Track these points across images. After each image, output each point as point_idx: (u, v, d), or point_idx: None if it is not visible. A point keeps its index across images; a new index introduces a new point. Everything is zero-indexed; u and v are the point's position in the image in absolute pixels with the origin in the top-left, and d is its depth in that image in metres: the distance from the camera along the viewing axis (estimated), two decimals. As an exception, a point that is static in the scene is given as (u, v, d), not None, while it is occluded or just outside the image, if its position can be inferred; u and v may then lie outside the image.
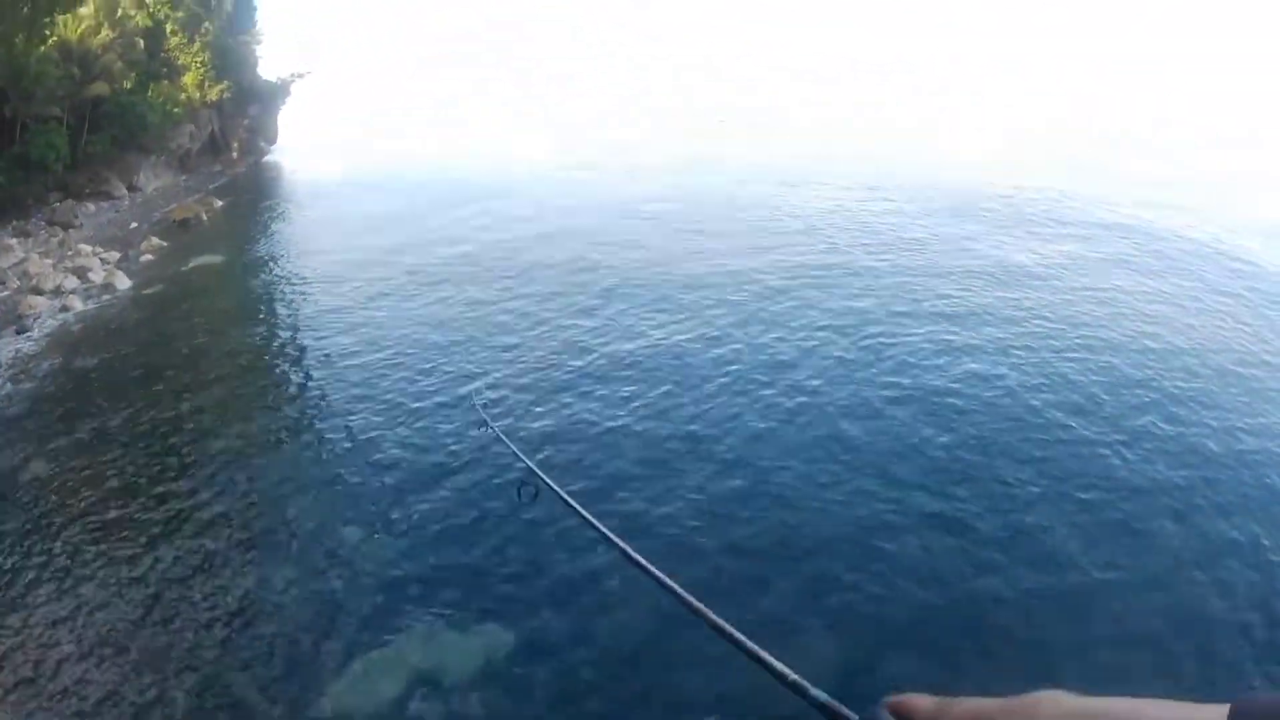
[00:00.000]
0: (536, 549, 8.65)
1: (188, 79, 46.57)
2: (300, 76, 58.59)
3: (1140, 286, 18.32)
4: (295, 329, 18.16)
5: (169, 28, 45.42)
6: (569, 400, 12.46)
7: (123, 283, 22.37)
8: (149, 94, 39.91)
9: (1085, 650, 7.05)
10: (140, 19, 42.22)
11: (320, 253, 25.86)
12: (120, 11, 39.76)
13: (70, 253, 25.22)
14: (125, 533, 9.54)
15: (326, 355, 15.41)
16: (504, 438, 5.28)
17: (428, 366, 14.19)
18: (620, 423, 11.59)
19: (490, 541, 8.88)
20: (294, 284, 22.10)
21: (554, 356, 14.34)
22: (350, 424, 12.19)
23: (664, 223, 27.14)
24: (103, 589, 8.51)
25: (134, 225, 31.78)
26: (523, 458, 4.00)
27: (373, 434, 11.75)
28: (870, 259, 20.78)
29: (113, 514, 9.98)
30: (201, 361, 15.98)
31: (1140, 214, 27.12)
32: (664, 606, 6.48)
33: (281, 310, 20.23)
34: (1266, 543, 8.63)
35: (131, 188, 37.41)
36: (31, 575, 8.78)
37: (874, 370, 13.21)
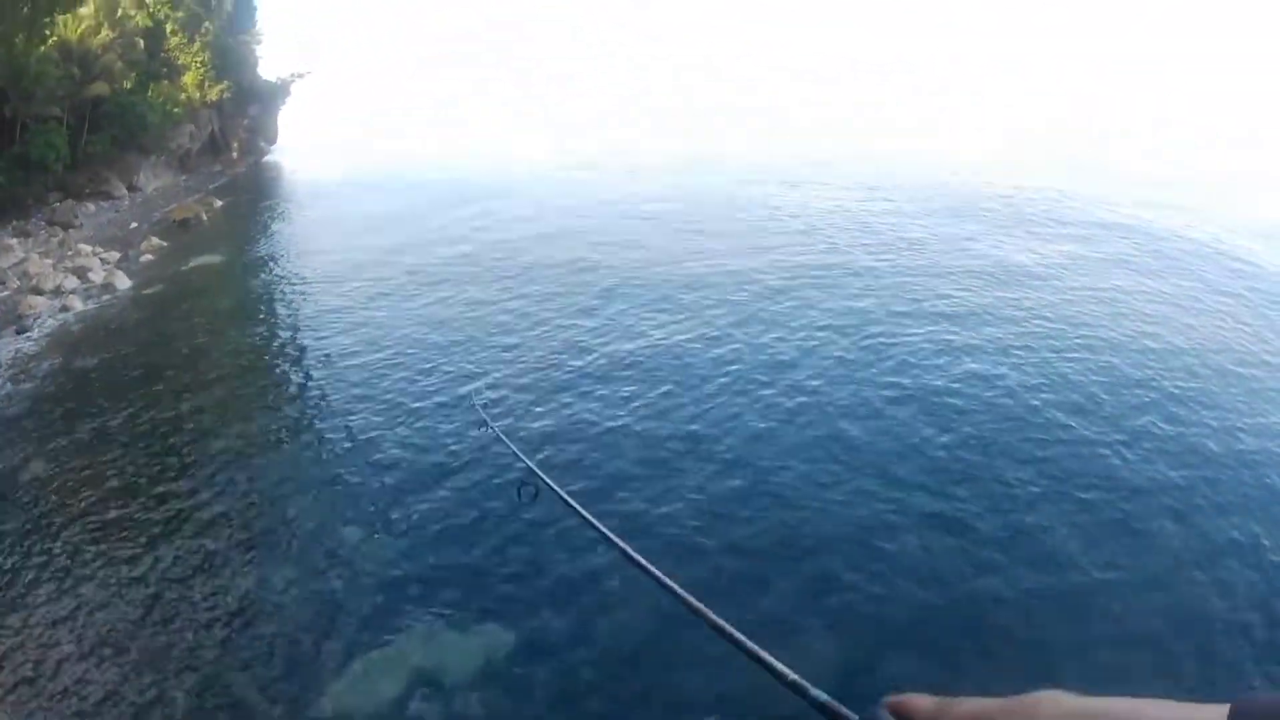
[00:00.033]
0: (537, 548, 8.65)
1: (188, 79, 46.59)
2: (300, 76, 58.70)
3: (1140, 286, 18.32)
4: (295, 329, 18.17)
5: (169, 28, 45.45)
6: (569, 400, 12.46)
7: (123, 283, 22.38)
8: (149, 94, 39.93)
9: (1086, 650, 7.05)
10: (140, 19, 42.24)
11: (320, 253, 25.88)
12: (120, 11, 39.77)
13: (70, 253, 25.24)
14: (125, 533, 9.54)
15: (326, 355, 15.42)
16: (504, 437, 5.28)
17: (428, 366, 14.19)
18: (620, 422, 11.59)
19: (490, 541, 8.88)
20: (294, 284, 22.12)
21: (554, 356, 14.34)
22: (350, 424, 12.19)
23: (664, 222, 27.17)
24: (102, 589, 8.51)
25: (134, 225, 31.80)
26: (522, 457, 4.00)
27: (373, 434, 11.75)
28: (870, 259, 20.79)
29: (112, 514, 9.98)
30: (201, 361, 15.99)
31: (1140, 214, 27.13)
32: (664, 606, 6.48)
33: (281, 310, 20.24)
34: (1267, 543, 8.63)
35: (131, 188, 37.43)
36: (31, 575, 8.78)
37: (874, 370, 13.21)
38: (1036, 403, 11.88)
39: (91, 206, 33.08)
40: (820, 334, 14.88)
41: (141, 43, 40.72)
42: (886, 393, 12.31)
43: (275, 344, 17.35)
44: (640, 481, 9.98)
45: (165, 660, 7.42)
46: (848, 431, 11.08)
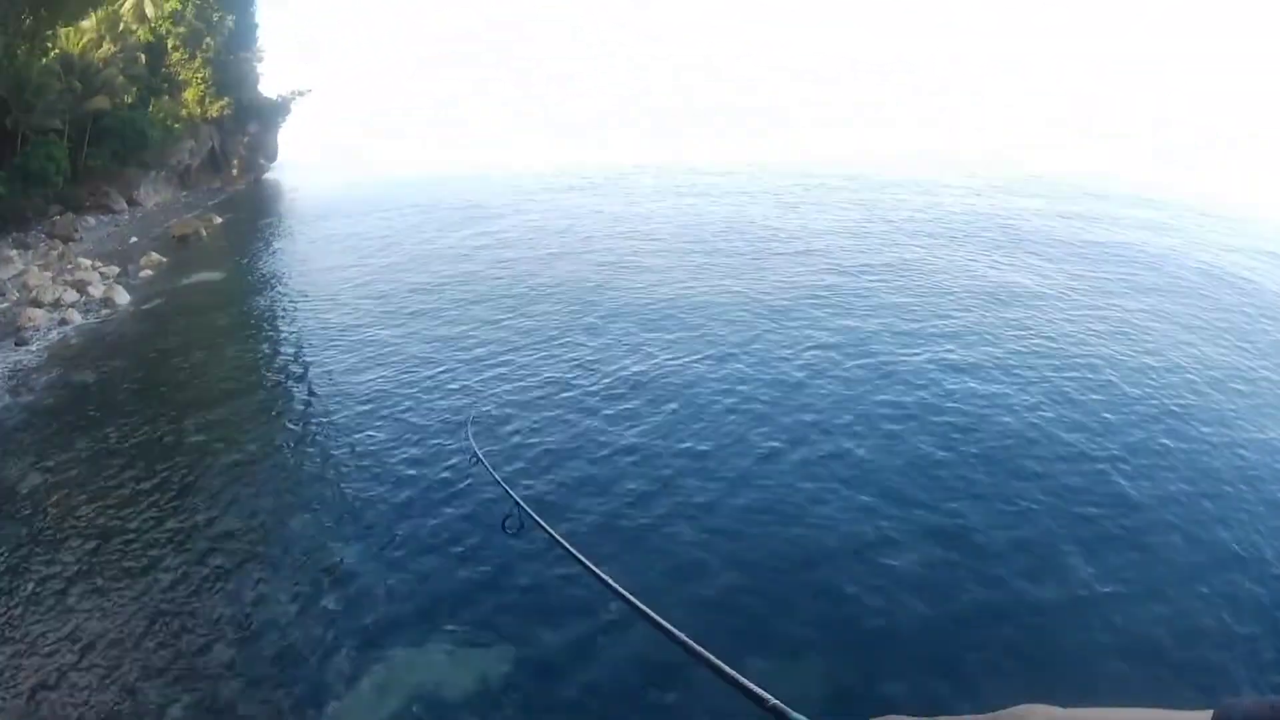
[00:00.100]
0: (535, 574, 8.58)
1: (188, 95, 46.84)
2: (301, 94, 58.94)
3: (1140, 304, 18.40)
4: (294, 346, 18.16)
5: (170, 43, 45.72)
6: (572, 417, 12.46)
7: (122, 297, 22.39)
8: (150, 109, 40.15)
9: (1087, 663, 7.02)
10: (142, 34, 42.49)
11: (319, 271, 25.96)
12: (122, 26, 40.01)
13: (70, 266, 25.27)
14: (122, 548, 9.48)
15: (326, 373, 15.41)
16: (491, 470, 5.08)
17: (429, 385, 14.18)
18: (624, 441, 11.57)
19: (490, 563, 8.81)
20: (293, 301, 22.15)
21: (556, 375, 14.36)
22: (350, 441, 12.16)
23: (665, 243, 27.28)
24: (99, 604, 8.45)
25: (133, 240, 31.86)
26: (509, 491, 3.96)
27: (372, 451, 11.72)
28: (871, 279, 20.88)
29: (109, 529, 9.91)
30: (200, 378, 15.97)
31: (1139, 233, 27.30)
32: (653, 634, 6.39)
33: (281, 327, 20.23)
34: (1269, 555, 8.61)
35: (131, 202, 37.56)
36: (30, 588, 8.72)
37: (875, 388, 13.24)
38: (1037, 420, 11.88)
39: (91, 220, 33.18)
40: (821, 353, 14.92)
41: (143, 58, 40.95)
42: (888, 410, 12.32)
43: (274, 361, 17.34)
44: (643, 499, 9.95)
45: (162, 677, 7.36)
46: (852, 451, 11.07)
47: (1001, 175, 44.83)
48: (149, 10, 43.11)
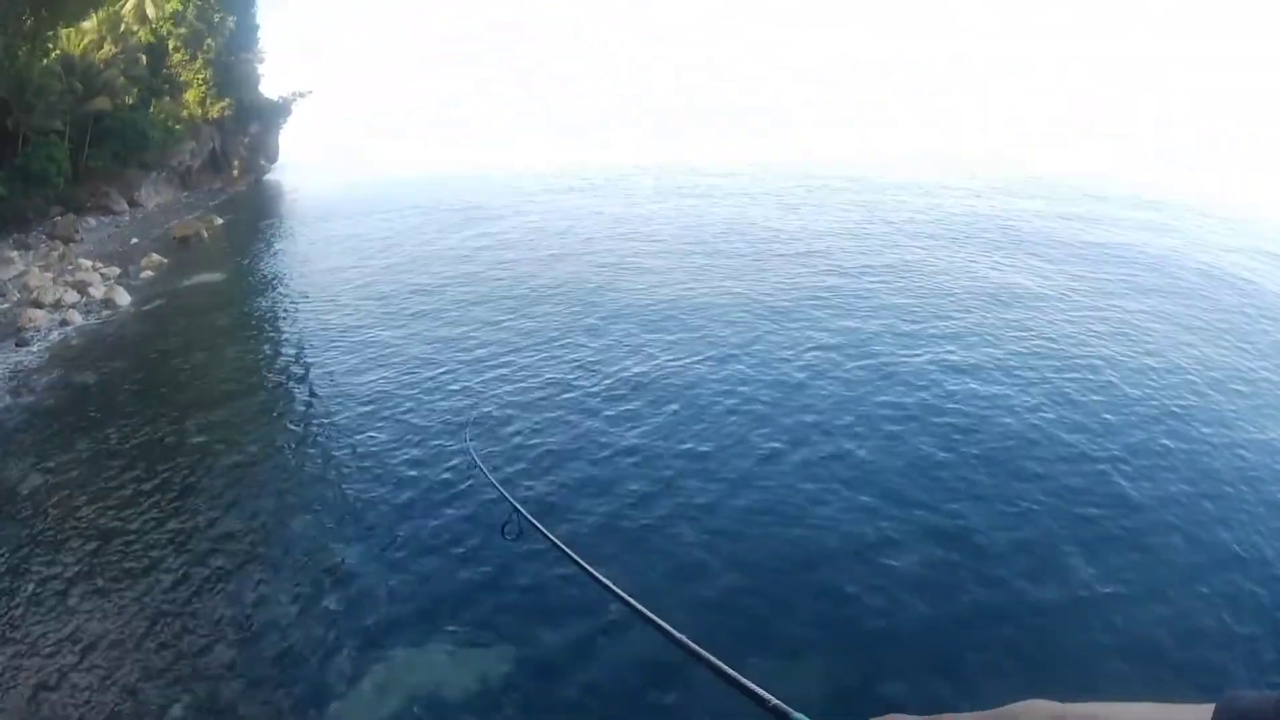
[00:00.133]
0: (535, 574, 8.57)
1: (189, 96, 46.84)
2: (302, 95, 58.92)
3: (1140, 305, 18.38)
4: (295, 347, 18.16)
5: (171, 44, 45.72)
6: (573, 418, 12.46)
7: (123, 298, 22.39)
8: (151, 110, 40.15)
9: (1089, 662, 7.02)
10: (143, 35, 42.51)
11: (320, 272, 25.96)
12: (123, 27, 40.02)
13: (70, 267, 25.28)
14: (123, 549, 9.48)
15: (328, 374, 15.41)
16: (489, 475, 5.13)
17: (430, 386, 14.17)
18: (625, 442, 11.57)
19: (490, 565, 8.80)
20: (294, 302, 22.15)
21: (557, 376, 14.36)
22: (351, 442, 12.16)
23: (666, 244, 27.28)
24: (100, 605, 8.45)
25: (134, 241, 31.87)
26: (507, 496, 3.97)
27: (374, 452, 11.71)
28: (871, 280, 20.86)
29: (110, 530, 9.91)
30: (201, 379, 15.97)
31: (1140, 235, 27.26)
32: (653, 634, 6.38)
33: (282, 329, 20.24)
34: (1269, 555, 8.61)
35: (132, 203, 37.57)
36: (30, 589, 8.72)
37: (876, 389, 13.23)
38: (1038, 421, 11.88)
39: (92, 221, 33.19)
40: (821, 354, 14.92)
41: (144, 59, 40.97)
42: (889, 411, 12.32)
43: (275, 362, 17.34)
44: (644, 500, 9.95)
45: (163, 677, 7.36)
46: (853, 451, 11.06)
47: (1003, 176, 44.82)
48: (150, 11, 43.14)
